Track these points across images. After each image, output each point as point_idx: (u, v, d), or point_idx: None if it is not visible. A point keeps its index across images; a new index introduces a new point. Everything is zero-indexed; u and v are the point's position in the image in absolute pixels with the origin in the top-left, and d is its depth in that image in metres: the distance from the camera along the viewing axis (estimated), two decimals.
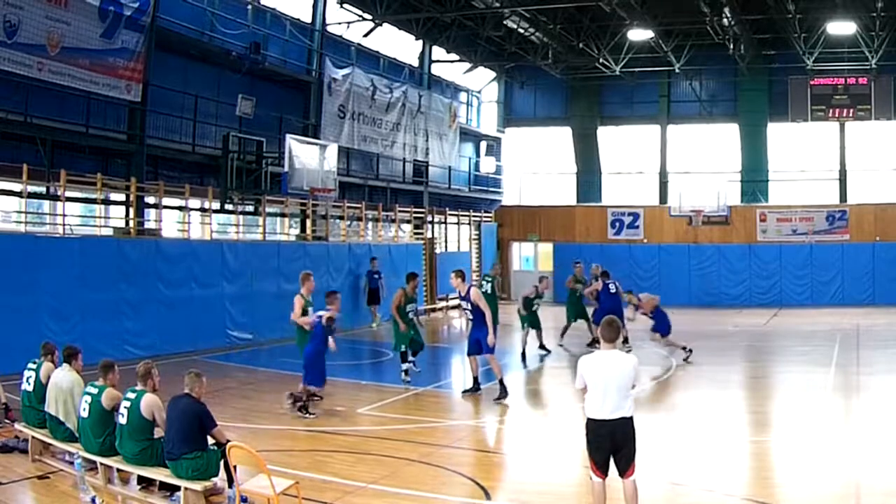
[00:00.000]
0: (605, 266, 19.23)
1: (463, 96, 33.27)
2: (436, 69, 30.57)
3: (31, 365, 9.30)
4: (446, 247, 30.24)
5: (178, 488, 7.38)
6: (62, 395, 8.51)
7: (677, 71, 29.52)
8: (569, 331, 18.78)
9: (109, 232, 17.20)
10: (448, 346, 18.75)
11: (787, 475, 8.66)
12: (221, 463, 7.31)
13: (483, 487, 8.17)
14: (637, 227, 31.78)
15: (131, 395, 7.67)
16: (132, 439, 7.61)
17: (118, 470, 7.94)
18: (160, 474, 7.54)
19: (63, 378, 8.63)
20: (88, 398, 8.00)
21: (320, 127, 23.07)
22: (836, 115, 29.45)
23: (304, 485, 7.36)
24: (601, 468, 6.60)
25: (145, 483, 7.88)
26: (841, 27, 24.61)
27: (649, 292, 18.02)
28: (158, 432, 7.70)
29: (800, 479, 8.40)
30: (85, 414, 8.00)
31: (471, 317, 12.74)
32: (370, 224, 25.98)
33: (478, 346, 12.57)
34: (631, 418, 6.59)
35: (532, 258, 33.72)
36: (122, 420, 7.66)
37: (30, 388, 9.12)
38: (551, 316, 20.08)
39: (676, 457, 9.73)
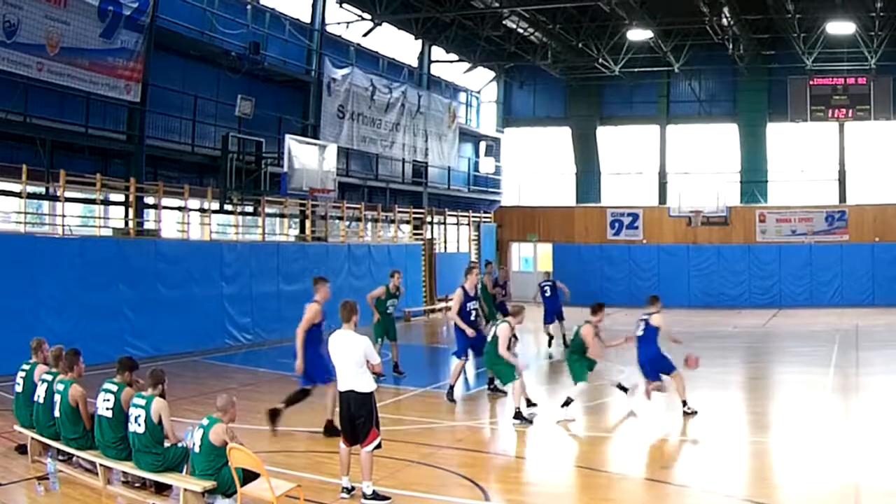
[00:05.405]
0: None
1: (462, 96, 33.28)
2: (435, 69, 30.58)
3: (24, 366, 9.29)
4: (445, 247, 30.22)
5: (169, 487, 7.40)
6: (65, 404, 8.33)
7: (676, 71, 29.53)
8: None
9: (109, 232, 17.20)
10: (447, 347, 18.68)
11: (787, 475, 8.66)
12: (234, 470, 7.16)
13: (482, 488, 8.17)
14: (636, 227, 31.75)
15: (140, 402, 7.57)
16: (146, 449, 7.49)
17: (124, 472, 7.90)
18: (174, 480, 7.43)
19: (64, 385, 8.47)
20: (110, 400, 7.84)
21: (320, 127, 23.07)
22: (836, 116, 29.45)
23: (303, 485, 7.35)
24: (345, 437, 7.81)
25: (141, 483, 7.84)
26: (840, 27, 24.63)
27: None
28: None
29: (800, 479, 8.40)
30: (109, 414, 7.85)
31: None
32: (369, 224, 25.97)
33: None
34: (365, 393, 7.72)
35: (531, 259, 33.69)
36: (139, 429, 7.50)
37: (19, 390, 9.14)
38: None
39: (677, 457, 9.73)
